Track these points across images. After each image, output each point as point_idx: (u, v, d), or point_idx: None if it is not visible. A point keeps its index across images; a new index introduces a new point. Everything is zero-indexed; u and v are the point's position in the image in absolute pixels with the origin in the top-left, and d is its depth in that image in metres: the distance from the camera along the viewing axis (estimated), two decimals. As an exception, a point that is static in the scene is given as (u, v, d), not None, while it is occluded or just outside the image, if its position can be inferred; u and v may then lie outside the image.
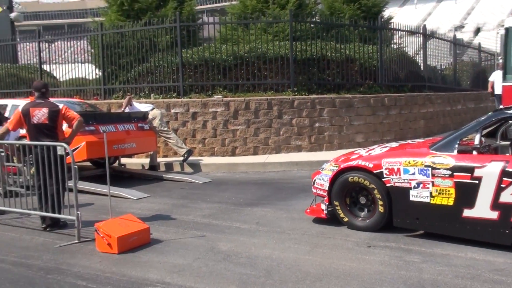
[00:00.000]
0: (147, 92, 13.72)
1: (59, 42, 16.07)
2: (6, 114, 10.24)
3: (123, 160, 11.77)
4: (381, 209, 6.05)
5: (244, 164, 11.34)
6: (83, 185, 8.97)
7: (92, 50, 15.52)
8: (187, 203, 8.13)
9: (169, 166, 11.67)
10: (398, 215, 5.97)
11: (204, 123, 12.47)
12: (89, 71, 15.19)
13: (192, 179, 10.18)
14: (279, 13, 14.89)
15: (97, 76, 15.17)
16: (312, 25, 14.02)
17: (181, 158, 11.48)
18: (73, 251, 5.76)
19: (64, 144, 6.23)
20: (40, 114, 6.58)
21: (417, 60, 16.71)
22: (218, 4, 64.85)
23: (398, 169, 5.91)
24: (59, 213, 6.50)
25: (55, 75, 16.48)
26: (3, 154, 7.50)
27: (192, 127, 12.55)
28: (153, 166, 11.42)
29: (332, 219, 6.52)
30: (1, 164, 7.49)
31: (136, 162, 11.97)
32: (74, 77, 15.48)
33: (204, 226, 6.69)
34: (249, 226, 6.60)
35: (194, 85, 13.21)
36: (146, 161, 11.91)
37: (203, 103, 12.48)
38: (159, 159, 11.94)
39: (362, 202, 6.31)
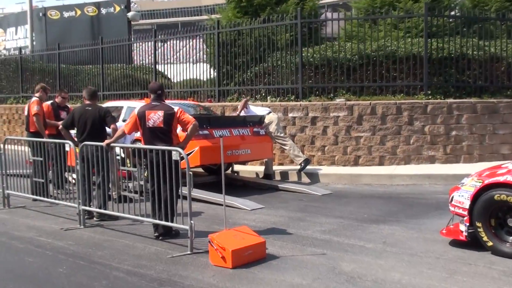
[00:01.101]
0: (263, 94, 13.96)
1: (172, 41, 16.83)
2: (121, 116, 10.92)
3: (236, 167, 12.06)
4: (534, 234, 5.64)
5: (368, 175, 11.17)
6: (196, 193, 9.29)
7: (207, 49, 16.10)
8: (305, 217, 8.15)
9: (284, 175, 11.78)
10: (556, 242, 5.52)
11: (324, 129, 12.44)
12: (203, 72, 15.77)
13: (310, 190, 10.19)
14: (412, 7, 14.49)
15: (211, 77, 15.72)
16: (450, 20, 13.48)
17: (298, 167, 11.53)
18: (186, 262, 5.98)
19: (179, 149, 6.49)
20: (156, 117, 6.93)
21: None
22: (340, -2, 64.58)
23: (557, 188, 5.48)
24: (172, 221, 6.79)
25: (168, 75, 17.31)
26: (118, 157, 7.99)
27: (311, 133, 12.56)
28: (268, 175, 11.58)
29: (472, 243, 6.19)
30: (116, 168, 7.99)
31: (250, 170, 12.23)
32: (187, 77, 16.14)
33: (324, 243, 6.65)
34: (375, 246, 6.47)
35: (315, 87, 13.24)
36: (260, 169, 12.13)
37: (323, 107, 12.46)
38: (274, 167, 12.09)
39: (510, 224, 5.93)
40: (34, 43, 26.75)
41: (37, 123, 9.70)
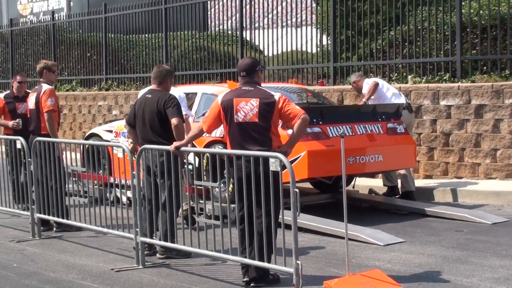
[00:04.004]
0: (403, 72, 13.80)
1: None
2: (194, 107, 11.10)
3: (359, 182, 12.03)
4: None
5: None
6: (303, 219, 9.27)
7: (317, 6, 16.04)
8: (467, 257, 8.00)
9: (431, 194, 11.64)
10: None
11: (496, 124, 12.17)
12: (310, 40, 15.72)
13: (475, 216, 9.99)
14: None
15: (324, 48, 15.66)
16: None
17: (458, 180, 11.30)
18: (290, 322, 6.03)
19: (280, 155, 6.51)
20: (248, 108, 6.97)
21: None
22: None
23: None
24: (269, 261, 6.80)
25: (260, 46, 17.43)
26: (190, 167, 8.13)
27: (475, 130, 12.32)
28: (408, 193, 11.44)
29: None
30: (189, 183, 8.11)
31: (379, 185, 12.12)
32: (287, 49, 16.17)
33: (499, 297, 6.51)
34: None
35: (481, 60, 12.98)
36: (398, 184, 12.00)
37: (494, 90, 12.18)
38: (419, 182, 11.93)
39: None
40: (72, 4, 27.82)
41: (50, 121, 10.01)
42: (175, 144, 7.60)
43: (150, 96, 8.37)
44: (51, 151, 9.39)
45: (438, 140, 12.60)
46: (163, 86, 8.43)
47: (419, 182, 12.05)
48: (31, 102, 10.25)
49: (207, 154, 9.29)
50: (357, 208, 10.91)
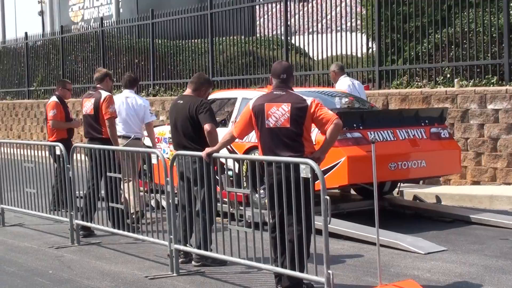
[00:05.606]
0: (448, 75, 13.62)
1: (314, 2, 16.83)
2: (234, 113, 11.08)
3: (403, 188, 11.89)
4: None
5: None
6: (341, 226, 9.20)
7: (362, 11, 15.94)
8: (511, 266, 7.81)
9: (478, 200, 11.51)
10: None
11: (545, 128, 11.92)
12: (356, 44, 15.60)
13: (522, 224, 9.84)
14: None
15: (369, 52, 15.53)
16: None
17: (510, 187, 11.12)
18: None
19: (310, 161, 6.38)
20: (279, 113, 6.86)
21: None
22: None
23: None
24: (302, 270, 6.69)
25: (308, 52, 17.33)
26: (230, 173, 8.04)
27: (524, 135, 12.06)
28: None
29: None
30: (221, 187, 8.04)
31: (426, 191, 12.00)
32: (333, 54, 16.08)
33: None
34: None
35: (531, 62, 12.73)
36: (443, 190, 11.93)
37: (544, 93, 11.92)
38: (466, 187, 11.73)
39: None
40: (121, 10, 28.07)
41: (111, 128, 10.18)
42: (207, 150, 7.52)
43: (181, 102, 8.36)
44: (106, 157, 9.35)
45: (485, 145, 12.36)
46: (197, 92, 8.39)
47: (466, 188, 11.85)
48: (87, 108, 10.38)
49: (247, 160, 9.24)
50: (399, 215, 10.74)
